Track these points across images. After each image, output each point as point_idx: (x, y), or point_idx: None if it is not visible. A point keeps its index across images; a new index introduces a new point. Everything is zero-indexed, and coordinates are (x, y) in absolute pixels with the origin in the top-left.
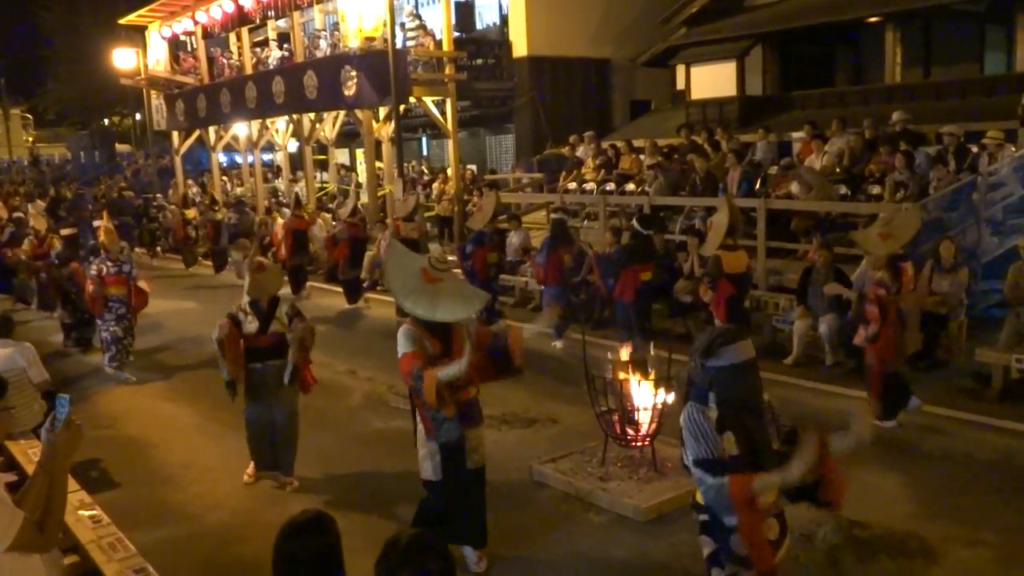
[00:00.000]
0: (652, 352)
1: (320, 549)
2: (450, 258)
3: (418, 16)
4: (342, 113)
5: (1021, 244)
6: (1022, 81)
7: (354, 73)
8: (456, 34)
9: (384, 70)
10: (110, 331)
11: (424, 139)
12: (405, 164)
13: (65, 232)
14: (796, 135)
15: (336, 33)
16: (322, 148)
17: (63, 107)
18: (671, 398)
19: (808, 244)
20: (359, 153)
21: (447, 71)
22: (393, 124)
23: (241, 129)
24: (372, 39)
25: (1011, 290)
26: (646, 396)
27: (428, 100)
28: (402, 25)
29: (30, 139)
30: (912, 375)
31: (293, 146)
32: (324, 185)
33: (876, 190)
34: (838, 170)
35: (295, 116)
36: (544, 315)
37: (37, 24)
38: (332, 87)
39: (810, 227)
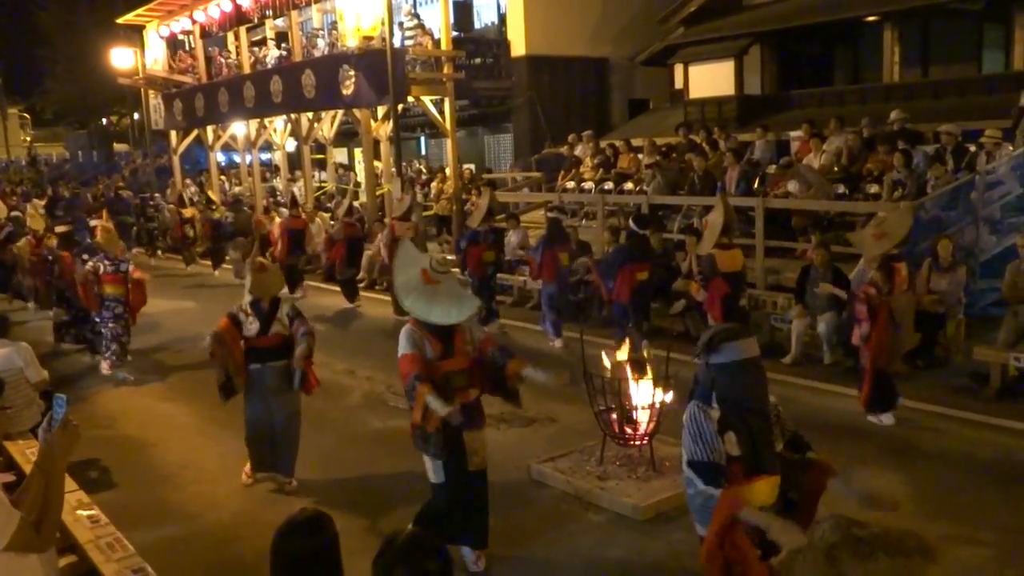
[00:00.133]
0: (646, 351)
1: (318, 548)
2: (449, 258)
3: (416, 15)
4: (340, 112)
5: (1019, 242)
6: (1020, 80)
7: (352, 72)
8: (454, 33)
9: (382, 69)
10: (108, 328)
11: (422, 138)
12: (404, 163)
13: (60, 230)
14: (794, 134)
15: (334, 32)
16: (320, 147)
17: (61, 107)
18: (669, 397)
19: (807, 243)
20: (357, 152)
21: (445, 70)
22: (391, 123)
23: (239, 128)
24: (370, 38)
25: (1009, 289)
26: (644, 395)
27: (426, 99)
28: (400, 24)
29: (28, 138)
30: (910, 373)
31: (291, 145)
32: (322, 184)
33: (874, 189)
34: (836, 169)
35: (293, 115)
36: (548, 374)
37: (35, 23)
38: (330, 86)
39: (808, 225)
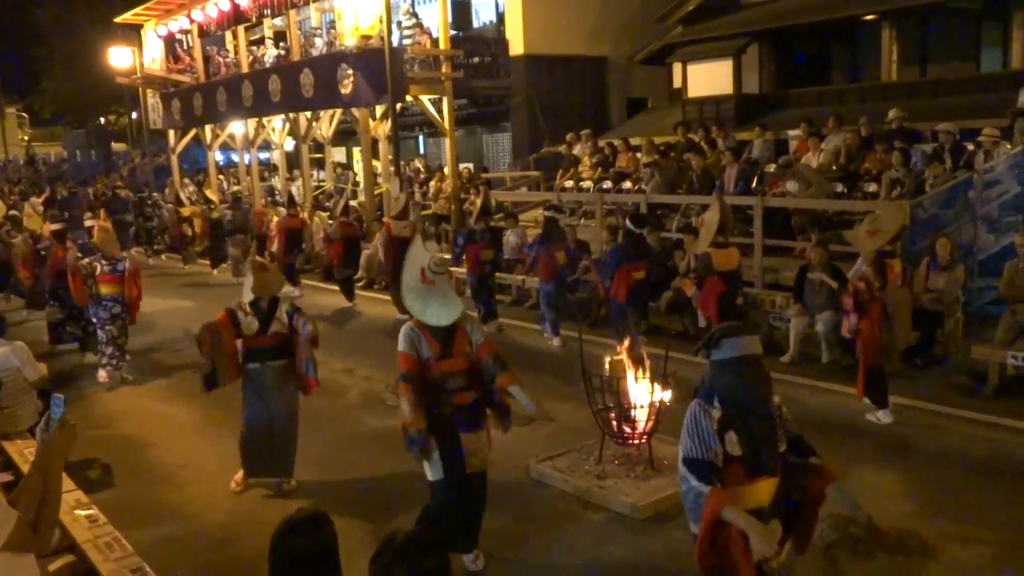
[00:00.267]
0: (642, 351)
1: (316, 547)
2: (447, 257)
3: (414, 14)
4: (339, 111)
5: (1017, 241)
6: (1018, 78)
7: (350, 71)
8: (452, 32)
9: (380, 68)
10: (105, 330)
11: (421, 137)
12: (402, 162)
13: (53, 227)
14: (792, 133)
15: (332, 31)
16: (319, 146)
17: (59, 106)
18: (668, 396)
19: (805, 242)
20: (356, 151)
21: (443, 69)
22: (390, 122)
23: (237, 127)
24: (368, 37)
25: (1007, 287)
26: (643, 394)
27: (425, 98)
28: (398, 23)
29: (26, 138)
30: (908, 372)
31: (290, 144)
32: (321, 183)
33: (872, 187)
34: (834, 168)
35: (291, 114)
36: (538, 412)
37: (32, 22)
38: (328, 85)
39: (806, 224)
